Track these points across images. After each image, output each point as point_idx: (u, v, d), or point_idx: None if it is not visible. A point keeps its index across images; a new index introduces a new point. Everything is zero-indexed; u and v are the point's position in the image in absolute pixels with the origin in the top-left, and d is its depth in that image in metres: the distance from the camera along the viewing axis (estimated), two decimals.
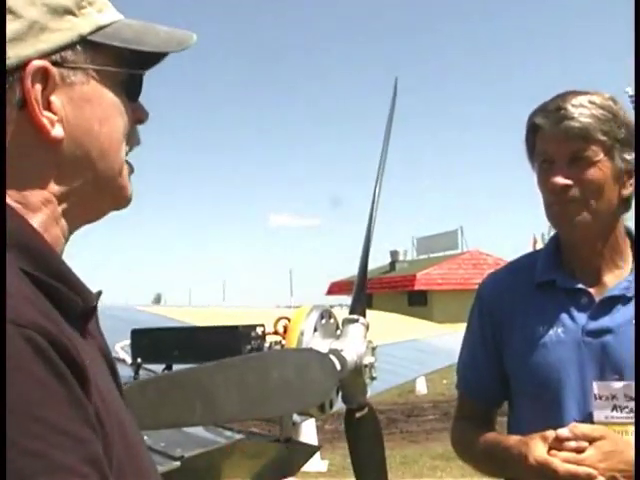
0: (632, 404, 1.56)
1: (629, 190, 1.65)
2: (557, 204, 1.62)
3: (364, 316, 1.66)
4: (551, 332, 1.65)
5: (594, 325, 1.63)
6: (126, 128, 0.85)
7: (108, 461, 0.67)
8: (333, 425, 9.10)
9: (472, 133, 62.62)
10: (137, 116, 0.89)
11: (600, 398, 1.58)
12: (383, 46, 71.33)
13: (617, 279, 1.67)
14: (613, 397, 1.58)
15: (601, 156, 1.58)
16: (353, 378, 1.56)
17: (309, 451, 2.06)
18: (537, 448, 1.52)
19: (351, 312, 1.66)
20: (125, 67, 0.85)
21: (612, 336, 1.60)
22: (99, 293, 0.83)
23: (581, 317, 1.64)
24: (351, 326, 1.63)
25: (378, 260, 33.89)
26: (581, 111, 1.57)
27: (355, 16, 77.10)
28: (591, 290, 1.66)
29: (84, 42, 0.81)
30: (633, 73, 1.71)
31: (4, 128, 0.76)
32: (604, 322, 1.62)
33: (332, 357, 1.43)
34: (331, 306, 2.00)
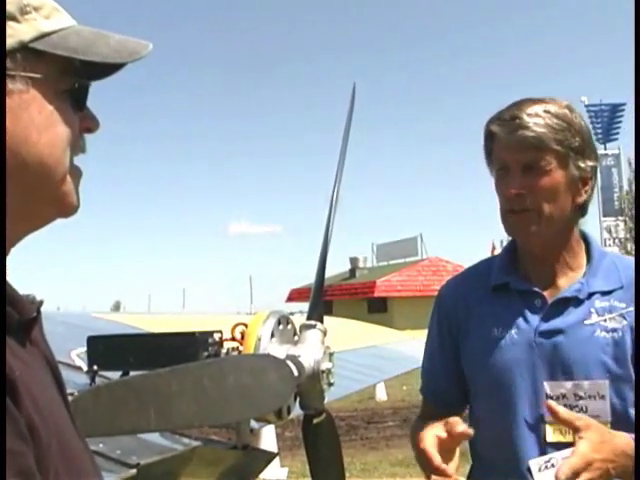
0: (582, 403, 1.60)
1: (584, 197, 1.68)
2: (512, 213, 1.65)
3: (321, 322, 1.66)
4: (505, 334, 1.68)
5: (546, 326, 1.66)
6: (70, 137, 0.82)
7: (44, 472, 0.66)
8: (293, 432, 9.08)
9: (432, 142, 63.30)
10: (85, 125, 0.86)
11: (551, 398, 1.61)
12: (346, 56, 71.65)
13: (570, 282, 1.70)
14: (564, 396, 1.61)
15: (555, 165, 1.61)
16: (310, 384, 1.56)
17: (267, 458, 2.05)
18: (427, 437, 1.55)
19: (308, 318, 1.67)
20: (70, 76, 0.82)
21: (563, 337, 1.64)
22: (40, 303, 0.81)
23: (534, 319, 1.67)
24: (308, 332, 1.63)
25: (338, 267, 33.93)
26: (535, 121, 1.59)
27: (313, 30, 77.38)
28: (545, 292, 1.69)
29: (25, 49, 0.77)
30: (633, 72, 1.74)
31: (4, 126, 0.74)
32: (556, 323, 1.65)
33: (289, 363, 1.43)
34: (291, 313, 2.00)
